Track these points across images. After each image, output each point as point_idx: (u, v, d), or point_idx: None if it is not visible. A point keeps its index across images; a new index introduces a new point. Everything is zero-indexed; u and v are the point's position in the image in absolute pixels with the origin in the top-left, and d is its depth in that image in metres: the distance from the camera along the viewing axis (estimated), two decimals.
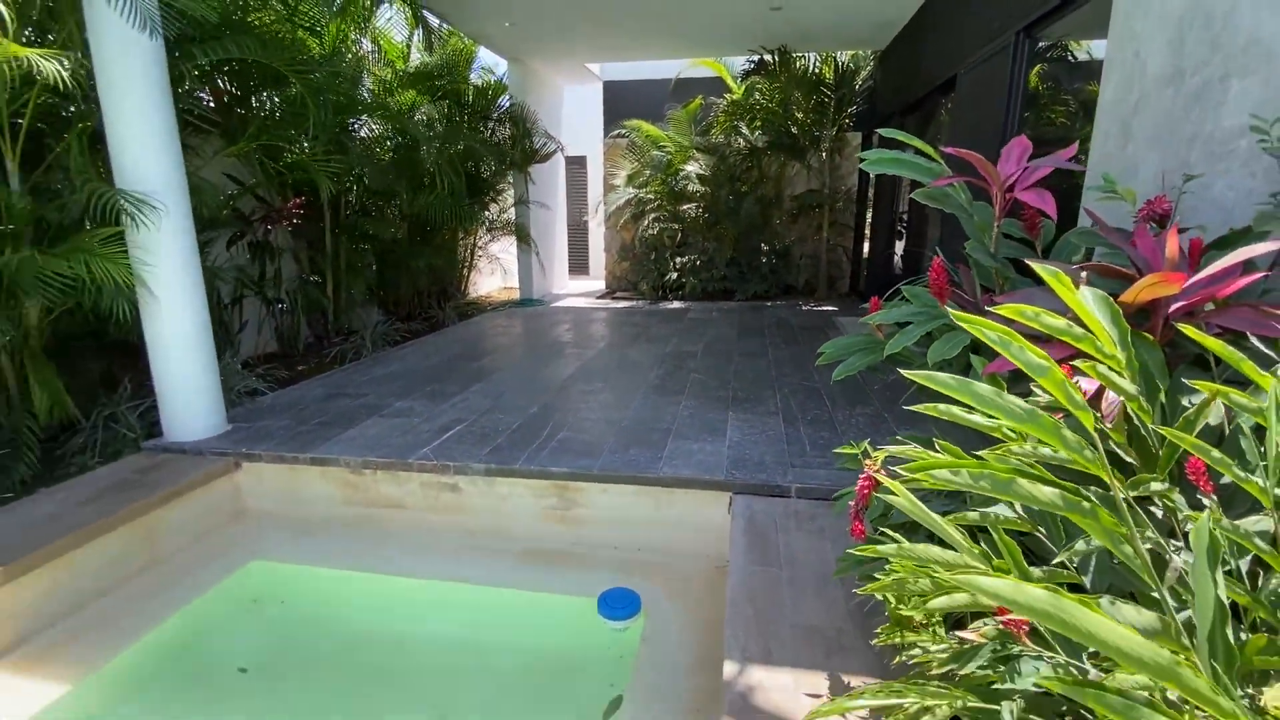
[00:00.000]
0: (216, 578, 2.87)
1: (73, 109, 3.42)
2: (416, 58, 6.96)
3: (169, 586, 2.77)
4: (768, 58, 7.88)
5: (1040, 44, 3.92)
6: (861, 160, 2.27)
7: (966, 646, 1.22)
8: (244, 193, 4.87)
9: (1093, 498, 0.85)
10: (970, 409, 1.05)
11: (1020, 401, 0.89)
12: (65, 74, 2.71)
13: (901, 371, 1.13)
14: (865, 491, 1.58)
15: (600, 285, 10.95)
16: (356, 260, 6.07)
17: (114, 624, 2.53)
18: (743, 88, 8.49)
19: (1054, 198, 1.97)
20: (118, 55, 2.99)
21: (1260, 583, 1.14)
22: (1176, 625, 0.77)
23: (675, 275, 9.16)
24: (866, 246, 8.91)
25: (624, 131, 9.31)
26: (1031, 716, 1.00)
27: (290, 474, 3.34)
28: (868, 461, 1.59)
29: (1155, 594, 0.87)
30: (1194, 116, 2.22)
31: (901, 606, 1.63)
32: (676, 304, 8.73)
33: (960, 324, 0.93)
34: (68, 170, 3.45)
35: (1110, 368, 1.16)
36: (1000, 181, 2.12)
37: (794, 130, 8.47)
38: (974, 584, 0.71)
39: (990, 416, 0.99)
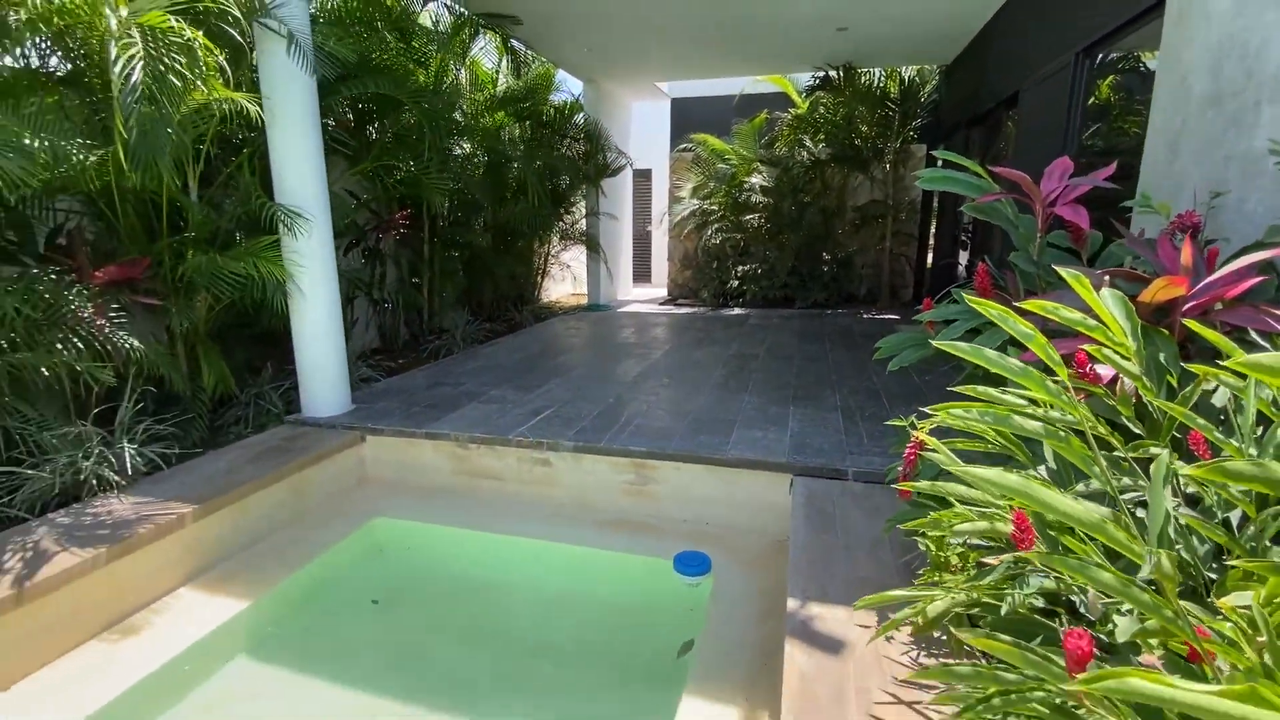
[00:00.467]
0: (348, 530, 3.41)
1: (240, 136, 4.10)
2: (503, 81, 7.60)
3: (314, 532, 3.33)
4: (833, 74, 8.14)
5: (1098, 63, 4.09)
6: (916, 178, 2.59)
7: (986, 569, 1.54)
8: (361, 207, 5.56)
9: (1066, 431, 1.18)
10: (997, 386, 1.38)
11: (1016, 362, 1.23)
12: (259, 111, 3.33)
13: (932, 341, 1.47)
14: (911, 457, 1.91)
15: (662, 292, 11.38)
16: (449, 266, 6.72)
17: (277, 557, 3.10)
18: (807, 103, 8.77)
19: (1110, 209, 2.24)
20: (282, 91, 3.63)
21: (1240, 529, 1.42)
22: (1126, 519, 1.08)
23: (736, 283, 9.48)
24: (930, 256, 8.98)
25: (690, 145, 9.73)
26: (1021, 610, 1.31)
27: (406, 446, 3.89)
28: (914, 432, 1.92)
29: (1119, 509, 1.17)
30: (1230, 137, 2.43)
31: (940, 553, 1.95)
32: (737, 311, 9.05)
33: (974, 306, 1.27)
34: (230, 186, 4.14)
35: (1120, 354, 1.47)
36: (1042, 198, 2.41)
37: (857, 143, 8.67)
38: (971, 474, 1.06)
39: (1001, 377, 1.31)
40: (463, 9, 5.97)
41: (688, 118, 10.25)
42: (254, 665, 2.62)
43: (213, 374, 3.88)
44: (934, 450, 1.67)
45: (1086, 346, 1.49)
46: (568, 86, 9.22)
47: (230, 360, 4.20)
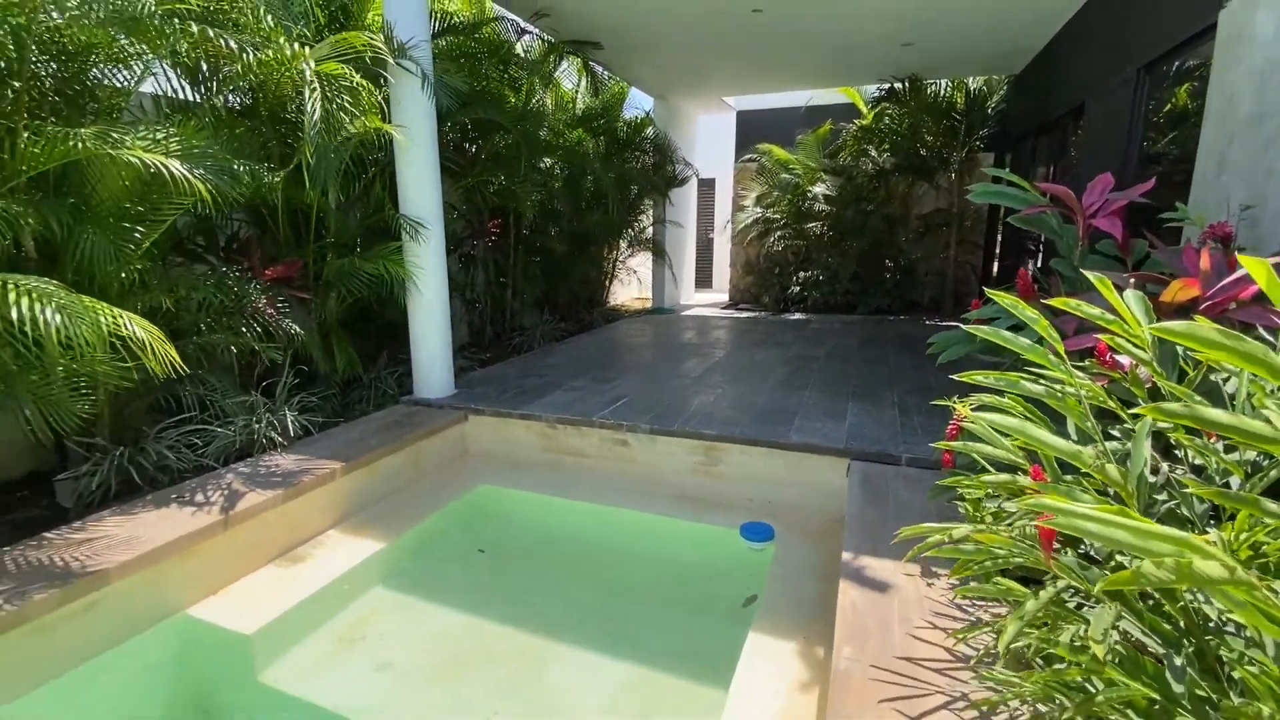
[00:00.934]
0: (456, 494, 3.97)
1: (370, 156, 4.77)
2: (580, 100, 8.20)
3: (428, 494, 3.91)
4: (898, 86, 8.33)
5: (1159, 79, 4.24)
6: (967, 192, 2.91)
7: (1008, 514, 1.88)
8: (460, 217, 6.23)
9: (1061, 393, 1.52)
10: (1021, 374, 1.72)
11: (1026, 340, 1.58)
12: (398, 136, 3.96)
13: (962, 325, 1.83)
14: (954, 430, 2.25)
15: (723, 297, 11.74)
16: (530, 270, 7.33)
17: (401, 511, 3.68)
18: (872, 113, 8.98)
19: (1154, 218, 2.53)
20: (410, 118, 4.25)
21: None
22: (1107, 456, 1.42)
23: (797, 289, 9.75)
24: (996, 265, 8.99)
25: (755, 156, 10.08)
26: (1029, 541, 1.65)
27: (502, 425, 4.44)
28: (956, 410, 2.26)
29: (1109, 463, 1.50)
30: (1270, 154, 2.65)
31: (975, 513, 2.28)
32: (798, 316, 9.32)
33: (993, 298, 1.63)
34: (359, 200, 4.82)
35: (1135, 344, 1.79)
36: (1083, 210, 2.70)
37: (923, 152, 8.81)
38: (979, 418, 1.42)
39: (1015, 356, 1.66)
40: (550, 38, 6.58)
41: (752, 129, 10.61)
42: (388, 593, 3.19)
43: (343, 358, 4.55)
44: (972, 423, 2.02)
45: (1104, 337, 1.81)
46: (637, 102, 9.76)
47: (355, 348, 4.88)
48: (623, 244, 9.45)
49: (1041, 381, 1.61)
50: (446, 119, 4.88)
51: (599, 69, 7.98)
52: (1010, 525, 1.84)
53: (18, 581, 2.31)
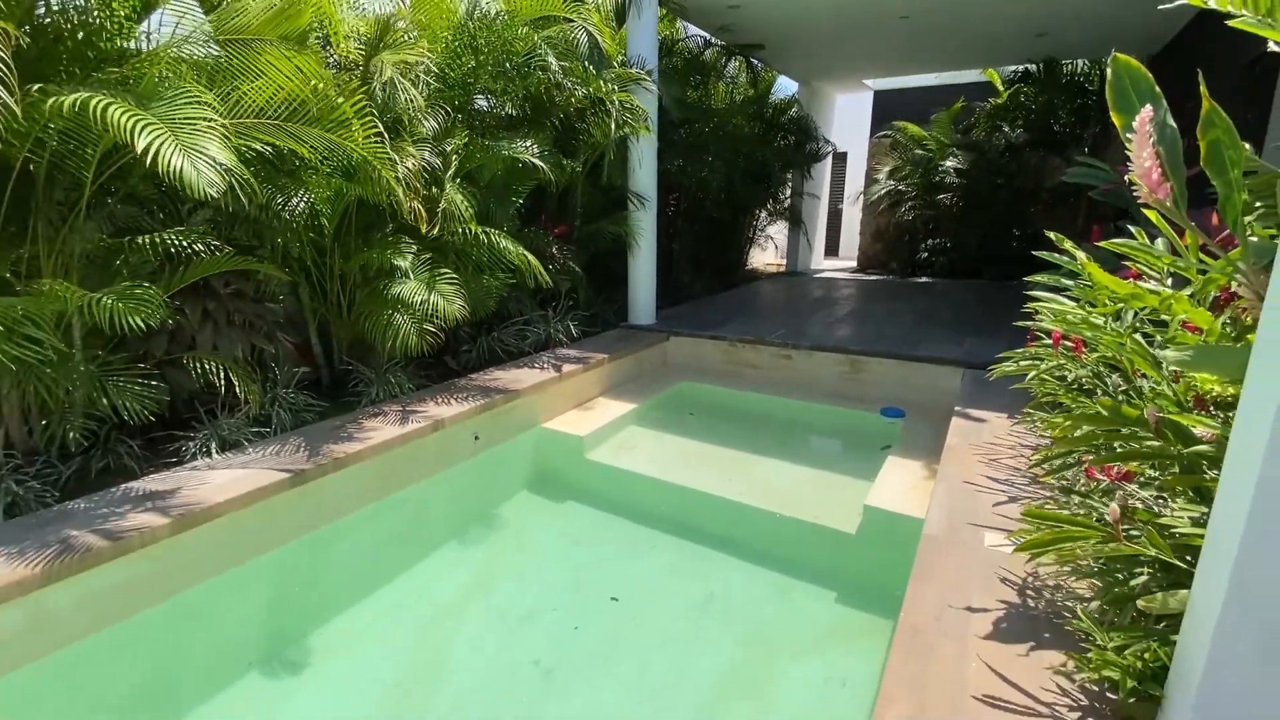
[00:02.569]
0: (665, 387, 5.72)
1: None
2: (737, 91, 9.60)
3: (648, 385, 5.69)
4: (1032, 68, 8.99)
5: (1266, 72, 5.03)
6: (1064, 177, 4.17)
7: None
8: None
9: (1104, 322, 2.88)
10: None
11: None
12: (649, 134, 5.70)
13: (1035, 254, 3.21)
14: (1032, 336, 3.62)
15: (851, 263, 12.79)
16: (687, 235, 8.97)
17: (636, 392, 5.48)
18: (1007, 93, 9.66)
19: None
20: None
21: None
22: (1137, 341, 2.77)
23: (925, 255, 10.69)
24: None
25: (889, 132, 11.02)
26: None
27: (694, 344, 6.14)
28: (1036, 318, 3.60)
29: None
30: None
31: (1042, 389, 3.63)
32: (925, 279, 10.31)
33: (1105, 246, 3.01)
34: (595, 178, 6.63)
35: (1154, 271, 3.09)
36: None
37: (1056, 128, 9.41)
38: (1046, 299, 2.83)
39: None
40: (722, 43, 8.06)
41: (887, 106, 11.50)
42: (641, 429, 4.99)
43: (583, 293, 6.44)
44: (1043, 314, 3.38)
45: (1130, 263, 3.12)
46: (782, 86, 10.98)
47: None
48: (761, 213, 10.83)
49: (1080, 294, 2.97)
50: (663, 114, 6.57)
51: (758, 64, 9.35)
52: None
53: (474, 394, 4.30)
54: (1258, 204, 1.63)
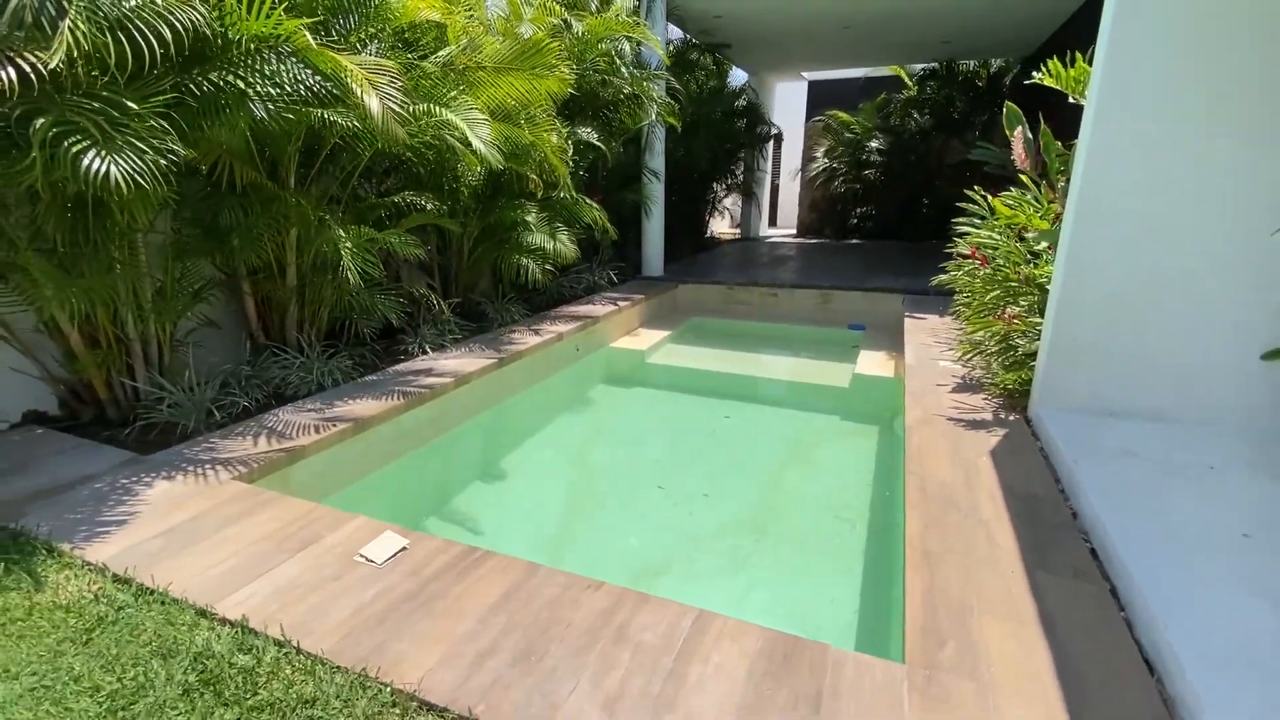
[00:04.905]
0: (682, 321, 7.35)
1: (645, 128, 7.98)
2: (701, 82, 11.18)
3: (668, 320, 7.30)
4: (937, 67, 11.16)
5: None
6: (970, 155, 6.12)
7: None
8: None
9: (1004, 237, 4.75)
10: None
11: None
12: (673, 121, 7.21)
13: (959, 205, 5.08)
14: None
15: (791, 231, 14.83)
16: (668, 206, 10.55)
17: (662, 325, 7.08)
18: (916, 87, 11.82)
19: None
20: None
21: None
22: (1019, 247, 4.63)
23: (855, 222, 12.82)
24: None
25: (822, 117, 13.00)
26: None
27: (698, 290, 7.80)
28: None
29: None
30: None
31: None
32: (856, 241, 12.43)
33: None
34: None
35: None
36: (1021, 158, 5.88)
37: (954, 116, 11.68)
38: (971, 233, 4.66)
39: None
40: (700, 43, 9.63)
41: (819, 95, 13.48)
42: (675, 345, 6.61)
43: (611, 249, 7.92)
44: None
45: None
46: (733, 75, 12.67)
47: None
48: (720, 188, 12.57)
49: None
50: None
51: (720, 58, 10.97)
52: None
53: (569, 320, 5.74)
54: (1061, 169, 3.46)
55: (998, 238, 4.33)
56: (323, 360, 3.87)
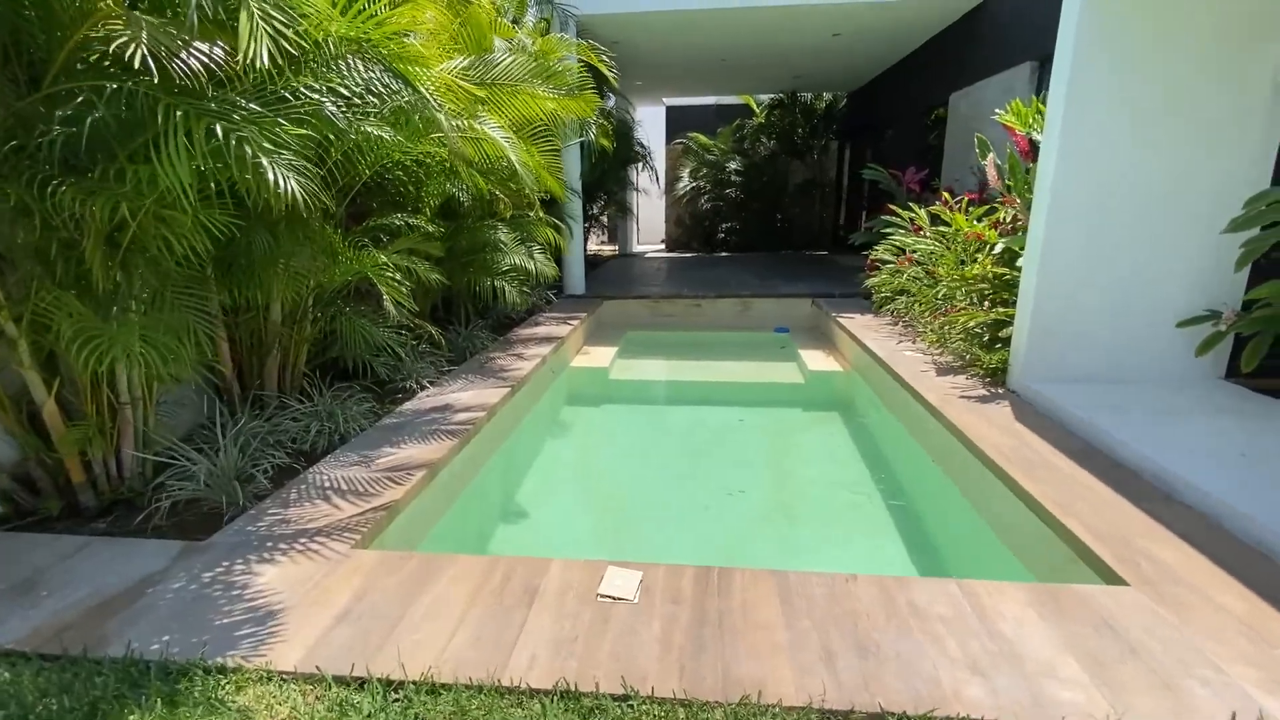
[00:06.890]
0: (618, 336, 7.47)
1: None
2: None
3: (609, 335, 7.37)
4: (782, 96, 12.60)
5: (931, 110, 8.75)
6: (861, 172, 7.11)
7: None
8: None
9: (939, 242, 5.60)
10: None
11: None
12: (606, 143, 7.24)
13: (884, 218, 5.91)
14: (871, 264, 6.39)
15: (658, 246, 15.57)
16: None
17: (603, 340, 7.13)
18: (764, 114, 13.21)
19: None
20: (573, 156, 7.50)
21: None
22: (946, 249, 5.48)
23: (722, 236, 13.88)
24: (843, 216, 13.78)
25: (683, 140, 13.92)
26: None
27: (621, 304, 7.96)
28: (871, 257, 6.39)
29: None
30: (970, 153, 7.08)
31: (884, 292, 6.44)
32: (723, 254, 13.46)
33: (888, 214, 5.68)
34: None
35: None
36: (905, 180, 6.98)
37: (796, 141, 13.25)
38: (894, 237, 5.43)
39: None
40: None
41: (678, 119, 14.40)
42: (628, 360, 6.71)
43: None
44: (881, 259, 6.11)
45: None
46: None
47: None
48: (594, 207, 12.84)
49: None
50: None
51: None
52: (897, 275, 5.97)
53: (538, 343, 5.57)
54: (1026, 186, 4.27)
55: (937, 245, 5.13)
56: (342, 405, 3.38)
